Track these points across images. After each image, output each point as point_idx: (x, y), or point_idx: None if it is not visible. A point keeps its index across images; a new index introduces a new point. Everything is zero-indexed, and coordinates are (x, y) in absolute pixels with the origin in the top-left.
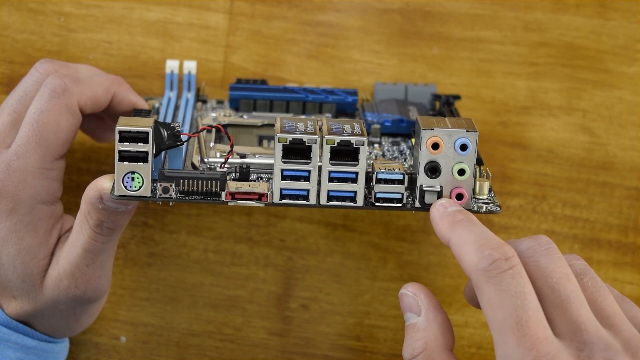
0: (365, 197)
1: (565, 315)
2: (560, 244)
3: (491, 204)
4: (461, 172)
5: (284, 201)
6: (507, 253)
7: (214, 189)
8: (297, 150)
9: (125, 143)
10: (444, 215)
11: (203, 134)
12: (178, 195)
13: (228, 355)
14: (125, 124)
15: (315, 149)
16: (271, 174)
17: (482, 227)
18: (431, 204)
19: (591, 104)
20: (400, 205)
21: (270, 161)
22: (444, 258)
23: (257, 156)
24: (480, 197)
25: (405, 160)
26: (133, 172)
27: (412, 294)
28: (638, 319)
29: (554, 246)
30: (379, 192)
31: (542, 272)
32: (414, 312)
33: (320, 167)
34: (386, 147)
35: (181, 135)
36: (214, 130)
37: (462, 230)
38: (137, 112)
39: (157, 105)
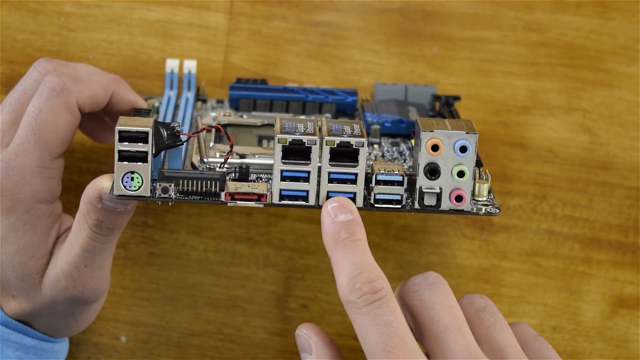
0: (365, 199)
1: (443, 344)
2: (561, 243)
3: (490, 206)
4: (460, 174)
5: (283, 202)
6: (375, 287)
7: (213, 189)
8: (296, 151)
9: (124, 143)
10: (330, 227)
11: (203, 133)
12: (177, 195)
13: (228, 355)
14: (125, 124)
15: (315, 149)
16: (271, 174)
17: (361, 253)
18: (432, 206)
19: (591, 104)
20: (399, 206)
21: (270, 161)
22: (444, 258)
23: (256, 156)
24: (480, 199)
25: (405, 161)
26: (132, 172)
27: (304, 334)
28: (545, 357)
29: (442, 281)
30: (379, 194)
31: (424, 305)
32: (306, 352)
33: (319, 168)
34: (386, 148)
35: (181, 135)
36: (213, 130)
37: (341, 254)
38: (137, 112)
39: (157, 104)
